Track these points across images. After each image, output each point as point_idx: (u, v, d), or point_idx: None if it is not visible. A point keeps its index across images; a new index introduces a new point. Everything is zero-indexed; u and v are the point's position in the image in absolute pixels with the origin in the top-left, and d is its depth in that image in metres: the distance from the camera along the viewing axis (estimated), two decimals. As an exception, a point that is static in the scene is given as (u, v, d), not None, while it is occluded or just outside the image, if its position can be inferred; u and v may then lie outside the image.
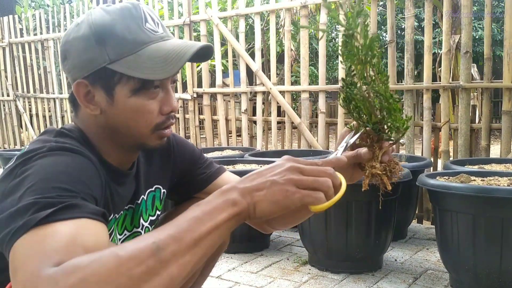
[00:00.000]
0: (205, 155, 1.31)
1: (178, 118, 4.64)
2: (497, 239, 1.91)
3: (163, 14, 4.59)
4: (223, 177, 1.26)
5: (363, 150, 0.96)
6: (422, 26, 3.23)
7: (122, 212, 1.07)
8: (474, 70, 5.00)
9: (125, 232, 1.11)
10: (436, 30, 9.29)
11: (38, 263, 0.65)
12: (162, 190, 1.19)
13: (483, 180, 2.21)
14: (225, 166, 2.98)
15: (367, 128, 0.95)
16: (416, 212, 3.36)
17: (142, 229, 1.14)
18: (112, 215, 1.01)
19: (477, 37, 10.22)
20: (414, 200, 3.10)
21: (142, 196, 1.13)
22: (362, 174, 0.99)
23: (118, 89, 0.93)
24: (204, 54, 0.98)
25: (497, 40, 10.00)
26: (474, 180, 2.22)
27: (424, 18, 3.36)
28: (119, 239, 1.08)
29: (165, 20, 4.54)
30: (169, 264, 0.67)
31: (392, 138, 0.94)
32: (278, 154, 3.54)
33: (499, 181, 2.16)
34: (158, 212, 1.18)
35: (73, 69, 0.95)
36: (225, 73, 4.64)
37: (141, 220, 1.13)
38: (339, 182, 0.79)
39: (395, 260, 2.61)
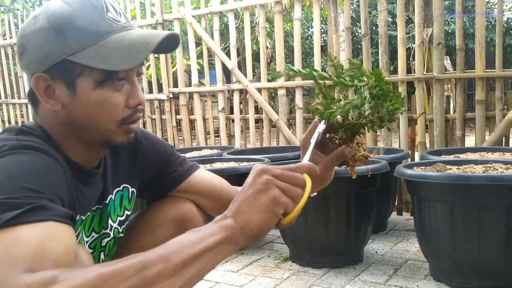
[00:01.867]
0: (178, 152, 1.27)
1: (155, 119, 4.58)
2: (475, 226, 1.91)
3: (135, 14, 4.52)
4: (197, 174, 1.23)
5: (346, 149, 0.94)
6: (396, 21, 3.24)
7: (89, 213, 1.03)
8: (447, 63, 5.07)
9: (93, 233, 1.06)
10: (410, 25, 9.40)
11: (8, 269, 0.62)
12: (131, 190, 1.15)
13: (459, 169, 2.22)
14: (203, 165, 2.96)
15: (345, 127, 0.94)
16: (396, 204, 3.38)
17: (110, 230, 1.10)
18: (78, 217, 0.96)
19: (449, 31, 10.37)
20: (393, 192, 3.12)
21: (110, 196, 1.09)
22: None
23: (80, 82, 0.89)
24: (170, 44, 0.94)
25: (469, 34, 10.16)
26: (450, 169, 2.23)
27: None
28: (86, 242, 1.04)
29: (138, 20, 4.47)
30: (153, 284, 0.65)
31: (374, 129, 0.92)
32: (257, 151, 3.52)
33: (474, 168, 2.18)
34: (127, 212, 1.14)
35: (32, 63, 0.91)
36: (201, 73, 4.59)
37: (110, 221, 1.09)
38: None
39: (376, 252, 2.61)
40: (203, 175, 1.23)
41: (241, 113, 4.12)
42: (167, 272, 0.67)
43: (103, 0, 0.90)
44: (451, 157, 2.69)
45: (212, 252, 0.72)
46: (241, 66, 3.97)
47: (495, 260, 1.93)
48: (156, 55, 4.60)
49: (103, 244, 1.09)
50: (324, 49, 7.46)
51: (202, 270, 0.72)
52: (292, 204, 0.76)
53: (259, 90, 3.89)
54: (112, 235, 1.10)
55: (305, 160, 0.89)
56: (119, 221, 1.12)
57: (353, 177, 0.95)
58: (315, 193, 1.03)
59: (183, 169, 1.21)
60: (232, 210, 0.77)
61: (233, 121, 4.19)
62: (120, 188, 1.12)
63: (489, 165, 2.21)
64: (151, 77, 4.59)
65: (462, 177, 1.91)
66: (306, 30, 12.98)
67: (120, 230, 1.14)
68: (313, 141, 0.93)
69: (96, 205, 1.05)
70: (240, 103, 4.15)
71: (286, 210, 0.76)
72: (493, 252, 1.92)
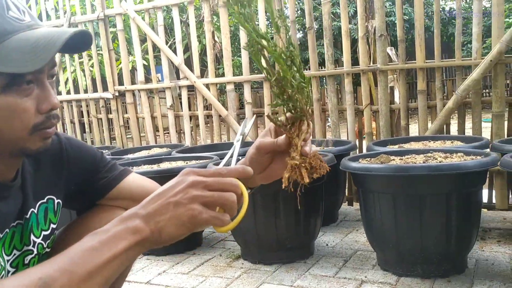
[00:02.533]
0: (108, 157, 1.21)
1: (101, 119, 4.42)
2: (416, 215, 1.96)
3: (75, 10, 4.33)
4: (128, 180, 1.17)
5: (281, 137, 0.91)
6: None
7: (7, 230, 0.95)
8: (392, 53, 5.18)
9: (15, 251, 0.99)
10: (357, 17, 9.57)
11: None
12: (56, 201, 1.08)
13: (402, 159, 2.27)
14: (150, 166, 2.89)
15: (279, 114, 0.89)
16: (346, 195, 3.43)
17: (34, 246, 1.03)
18: (-6, 236, 0.89)
19: (396, 21, 10.67)
20: (342, 183, 3.16)
21: (32, 209, 1.01)
22: (282, 171, 0.92)
23: None
24: (81, 42, 0.88)
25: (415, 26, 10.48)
26: (393, 159, 2.27)
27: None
28: (7, 260, 0.96)
29: (78, 16, 4.29)
30: None
31: (302, 116, 0.86)
32: (207, 148, 3.47)
33: (415, 158, 2.23)
34: (52, 226, 1.07)
35: None
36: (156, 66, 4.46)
37: (32, 237, 1.02)
38: (241, 193, 0.76)
39: (327, 244, 2.63)
40: (135, 180, 1.18)
41: (190, 109, 4.05)
42: (72, 286, 0.63)
43: None
44: (395, 147, 2.75)
45: (119, 259, 0.68)
46: (191, 61, 3.89)
47: (436, 247, 1.99)
48: (101, 51, 4.44)
49: (26, 261, 1.02)
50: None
51: (110, 278, 0.68)
52: (215, 218, 0.72)
53: (207, 86, 3.83)
54: (36, 252, 1.03)
55: (233, 163, 0.86)
56: (44, 235, 1.05)
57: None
58: (252, 189, 1.00)
59: (113, 175, 1.15)
60: (145, 209, 0.73)
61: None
62: (44, 200, 1.05)
63: (429, 154, 2.27)
64: (95, 74, 4.43)
65: (402, 168, 1.95)
66: (257, 22, 12.92)
67: (45, 245, 1.06)
68: (237, 144, 0.90)
69: (16, 221, 0.98)
70: (188, 98, 4.08)
71: (211, 224, 0.73)
72: (434, 239, 1.98)
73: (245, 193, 0.77)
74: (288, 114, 0.86)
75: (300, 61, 0.82)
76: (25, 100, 0.84)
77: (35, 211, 1.02)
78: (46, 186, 1.05)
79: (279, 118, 0.87)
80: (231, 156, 0.92)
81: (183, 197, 0.72)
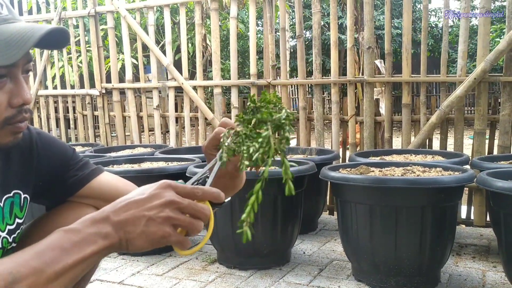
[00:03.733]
0: (80, 154, 1.20)
1: (86, 116, 4.39)
2: (392, 227, 1.97)
3: (66, 5, 4.31)
4: (100, 179, 1.16)
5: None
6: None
7: (-30, 222, 0.94)
8: (381, 66, 5.22)
9: (-23, 244, 0.98)
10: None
11: None
12: (23, 196, 1.07)
13: (381, 171, 2.28)
14: (132, 165, 2.87)
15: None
16: (328, 204, 3.44)
17: (-2, 239, 1.01)
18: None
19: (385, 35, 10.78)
20: (323, 192, 3.17)
21: (-2, 202, 1.00)
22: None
23: None
24: (57, 39, 0.88)
25: (412, 40, 10.59)
26: (373, 171, 2.29)
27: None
28: (-31, 253, 0.95)
29: (68, 11, 4.27)
30: None
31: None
32: (191, 150, 3.46)
33: (394, 171, 2.25)
34: (18, 220, 1.06)
35: None
36: (145, 68, 4.44)
37: (-4, 230, 1.00)
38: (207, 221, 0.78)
39: (304, 252, 2.64)
40: (107, 179, 1.17)
41: (176, 111, 4.04)
42: (39, 284, 0.65)
43: None
44: (377, 159, 2.77)
45: (87, 261, 0.71)
46: (181, 63, 3.89)
47: (410, 260, 2.00)
48: (89, 48, 4.41)
49: (-10, 255, 1.01)
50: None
51: (75, 279, 0.70)
52: (181, 241, 0.75)
53: (195, 88, 3.83)
54: (0, 246, 1.02)
55: (208, 183, 0.85)
56: (9, 230, 1.04)
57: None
58: (228, 199, 1.00)
59: (84, 173, 1.14)
60: (118, 216, 0.73)
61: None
62: (11, 194, 1.04)
63: (408, 167, 2.29)
64: (83, 71, 4.40)
65: (380, 180, 1.96)
66: (247, 29, 13.00)
67: (10, 240, 1.05)
68: (212, 175, 0.87)
69: None
70: (175, 99, 4.07)
71: (175, 246, 0.76)
72: (408, 252, 1.99)
73: (212, 221, 0.78)
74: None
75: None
76: None
77: (1, 205, 1.01)
78: (14, 180, 1.04)
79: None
80: (209, 172, 0.88)
81: (157, 214, 0.73)
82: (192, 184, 0.88)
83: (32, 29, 0.83)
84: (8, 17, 0.85)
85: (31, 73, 0.93)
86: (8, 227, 1.03)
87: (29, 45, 0.82)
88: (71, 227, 0.73)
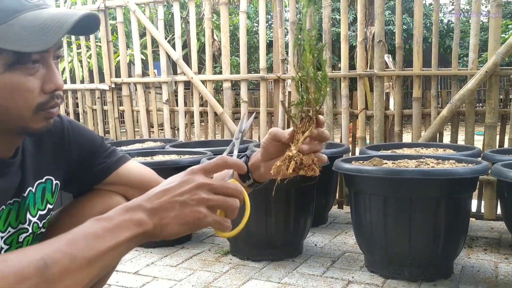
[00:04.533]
0: (108, 143, 1.22)
1: (96, 110, 4.41)
2: (406, 218, 1.99)
3: (75, 0, 4.33)
4: (127, 166, 1.18)
5: (289, 130, 0.92)
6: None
7: (3, 207, 0.96)
8: (389, 61, 5.22)
9: (9, 229, 0.99)
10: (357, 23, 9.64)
11: None
12: (55, 182, 1.09)
13: (394, 163, 2.29)
14: (144, 158, 2.89)
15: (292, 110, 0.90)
16: (337, 197, 3.45)
17: (29, 225, 1.03)
18: (-9, 211, 0.90)
19: (394, 30, 10.76)
20: (334, 186, 3.18)
21: (30, 188, 1.02)
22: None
23: None
24: (89, 25, 0.89)
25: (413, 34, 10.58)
26: (386, 163, 2.30)
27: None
28: (1, 237, 0.97)
29: (78, 5, 4.28)
30: (56, 284, 0.62)
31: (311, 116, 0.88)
32: (201, 144, 3.48)
33: (408, 163, 2.26)
34: (49, 206, 1.08)
35: None
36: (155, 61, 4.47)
37: (28, 215, 1.02)
38: (243, 200, 0.79)
39: (315, 245, 2.65)
40: (133, 167, 1.18)
41: (185, 105, 4.06)
42: (72, 271, 0.64)
43: None
44: (388, 152, 2.78)
45: (120, 248, 0.69)
46: (189, 57, 3.90)
47: (424, 251, 2.01)
48: (99, 43, 4.43)
49: (20, 240, 1.02)
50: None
51: (109, 266, 0.69)
52: (218, 222, 0.75)
53: (204, 82, 3.84)
54: (30, 230, 1.04)
55: (235, 156, 0.87)
56: (40, 215, 1.06)
57: (287, 172, 0.87)
58: (254, 182, 1.03)
59: (112, 160, 1.15)
60: (151, 203, 0.73)
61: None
62: (43, 180, 1.06)
63: (421, 160, 2.30)
64: (92, 65, 4.42)
65: (395, 171, 1.97)
66: (255, 23, 13.00)
67: (41, 225, 1.07)
68: (236, 141, 0.91)
69: (13, 198, 0.98)
70: (185, 93, 4.09)
71: (213, 227, 0.75)
72: (422, 243, 2.00)
73: (247, 201, 0.79)
74: (297, 109, 0.89)
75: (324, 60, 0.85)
76: (30, 79, 0.84)
77: (33, 190, 1.03)
78: (46, 166, 1.06)
79: (292, 112, 0.90)
80: (231, 153, 0.94)
81: (190, 197, 0.73)
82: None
83: (65, 15, 0.84)
84: (40, 2, 0.86)
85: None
86: (40, 212, 1.05)
87: (64, 30, 0.83)
88: (104, 215, 0.73)
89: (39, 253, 0.64)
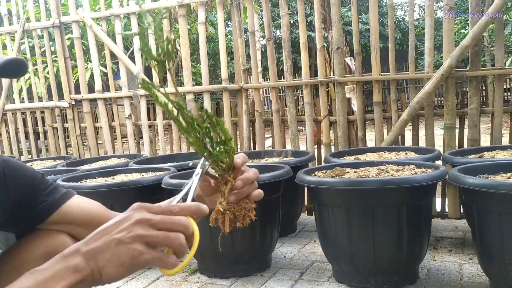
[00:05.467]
0: (63, 165, 1.17)
1: (56, 128, 4.29)
2: (369, 228, 1.99)
3: (30, 16, 4.20)
4: (71, 203, 1.13)
5: (205, 183, 0.91)
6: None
7: None
8: (352, 63, 5.26)
9: None
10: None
11: None
12: (-7, 226, 1.03)
13: (356, 172, 2.30)
14: (105, 178, 2.82)
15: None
16: (306, 204, 3.45)
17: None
18: None
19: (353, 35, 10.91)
20: (301, 194, 3.18)
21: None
22: None
23: None
24: (14, 70, 0.85)
25: (382, 35, 10.75)
26: (348, 172, 2.31)
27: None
28: None
29: (32, 22, 4.16)
30: None
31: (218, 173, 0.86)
32: (166, 159, 3.42)
33: (369, 171, 2.27)
34: (-13, 252, 1.03)
35: None
36: (115, 74, 4.38)
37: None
38: (192, 232, 0.73)
39: (284, 256, 2.64)
40: (78, 203, 1.14)
41: (149, 119, 3.99)
42: None
43: None
44: (351, 159, 2.79)
45: None
46: (151, 70, 3.84)
47: (389, 258, 2.03)
48: (56, 58, 4.31)
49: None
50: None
51: None
52: (159, 258, 0.69)
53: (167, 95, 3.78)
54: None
55: (189, 199, 0.84)
56: (-22, 263, 1.01)
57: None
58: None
59: (54, 198, 1.10)
60: (88, 246, 0.70)
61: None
62: None
63: (382, 167, 2.32)
64: (50, 82, 4.30)
65: (355, 182, 1.97)
66: (217, 31, 12.93)
67: (-21, 273, 1.02)
68: (195, 178, 0.88)
69: None
70: (147, 107, 4.02)
71: (155, 265, 0.70)
72: (386, 251, 2.01)
73: (196, 233, 0.74)
74: (211, 170, 0.87)
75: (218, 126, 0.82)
76: None
77: (-33, 238, 0.97)
78: None
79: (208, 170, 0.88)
80: (188, 190, 0.90)
81: (126, 235, 0.69)
82: (178, 201, 0.87)
83: None
84: None
85: None
86: (-23, 260, 1.00)
87: None
88: (39, 267, 0.69)
89: None
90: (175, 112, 0.82)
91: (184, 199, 0.89)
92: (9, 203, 1.05)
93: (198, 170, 0.90)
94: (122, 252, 0.68)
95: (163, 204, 0.77)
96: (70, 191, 1.15)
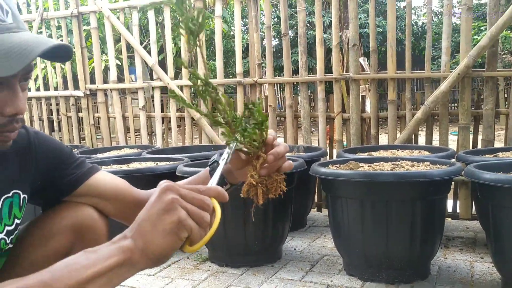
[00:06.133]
0: (76, 153, 1.19)
1: (71, 117, 4.34)
2: (383, 221, 2.00)
3: (48, 6, 4.25)
4: (97, 177, 1.15)
5: (235, 157, 0.93)
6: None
7: (-31, 223, 0.93)
8: (365, 63, 5.28)
9: (-25, 246, 0.96)
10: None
11: None
12: (22, 196, 1.06)
13: (370, 166, 2.31)
14: (120, 165, 2.85)
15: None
16: (316, 201, 3.46)
17: (-4, 241, 1.00)
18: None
19: (369, 32, 10.90)
20: (312, 189, 3.19)
21: (-5, 203, 0.99)
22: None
23: None
24: (60, 53, 0.86)
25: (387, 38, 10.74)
26: (362, 166, 2.32)
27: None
28: (-33, 255, 0.94)
29: (50, 11, 4.21)
30: None
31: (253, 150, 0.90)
32: (178, 150, 3.45)
33: (383, 166, 2.28)
34: (17, 221, 1.05)
35: None
36: (129, 67, 4.41)
37: (-6, 231, 0.99)
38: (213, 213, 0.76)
39: (294, 249, 2.65)
40: (103, 177, 1.16)
41: (162, 111, 4.02)
42: None
43: None
44: (364, 155, 2.80)
45: (105, 277, 0.67)
46: (165, 62, 3.87)
47: (401, 253, 2.03)
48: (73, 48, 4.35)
49: (-13, 257, 0.99)
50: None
51: None
52: (197, 229, 0.72)
53: (181, 88, 3.81)
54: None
55: (214, 181, 0.86)
56: (7, 231, 1.02)
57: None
58: (231, 186, 1.03)
59: (81, 171, 1.13)
60: (133, 230, 0.72)
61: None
62: (10, 194, 1.03)
63: (397, 162, 2.33)
64: (66, 72, 4.34)
65: (370, 175, 1.98)
66: (232, 27, 12.99)
67: (8, 241, 1.04)
68: (222, 162, 0.90)
69: None
70: (161, 99, 4.05)
71: (191, 236, 0.72)
72: (399, 245, 2.02)
73: (218, 213, 0.77)
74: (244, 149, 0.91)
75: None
76: None
77: (0, 206, 1.00)
78: (12, 180, 1.02)
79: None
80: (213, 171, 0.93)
81: (163, 201, 0.72)
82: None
83: (35, 42, 0.80)
84: (12, 25, 0.82)
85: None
86: (7, 228, 1.02)
87: (30, 59, 0.79)
88: (91, 248, 0.72)
89: (14, 285, 0.62)
90: (217, 99, 0.85)
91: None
92: (39, 174, 1.08)
93: (225, 155, 0.91)
94: (167, 219, 0.71)
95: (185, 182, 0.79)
96: (96, 166, 1.18)
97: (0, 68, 0.76)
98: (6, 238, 1.03)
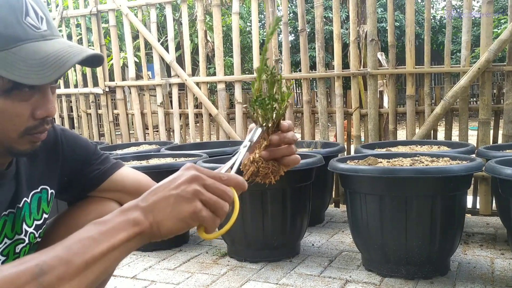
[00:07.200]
0: (101, 149, 1.22)
1: (90, 114, 4.41)
2: (402, 217, 1.99)
3: (67, 4, 4.31)
4: (121, 172, 1.18)
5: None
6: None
7: (-1, 218, 0.96)
8: (382, 58, 5.24)
9: (5, 240, 0.99)
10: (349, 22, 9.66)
11: None
12: (50, 191, 1.09)
13: (389, 162, 2.30)
14: (139, 161, 2.89)
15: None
16: (333, 196, 3.46)
17: (25, 235, 1.03)
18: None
19: (387, 27, 10.78)
20: (330, 185, 3.19)
21: (25, 198, 1.02)
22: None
23: None
24: (92, 61, 0.88)
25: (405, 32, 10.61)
26: (381, 162, 2.31)
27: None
28: (-3, 248, 0.97)
29: (70, 10, 4.27)
30: None
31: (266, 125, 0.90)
32: (196, 146, 3.48)
33: (402, 161, 2.27)
34: (45, 216, 1.08)
35: None
36: (147, 64, 4.47)
37: (24, 226, 1.02)
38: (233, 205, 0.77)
39: (312, 244, 2.66)
40: (127, 172, 1.19)
41: (180, 107, 4.06)
42: (68, 276, 0.63)
43: (24, 1, 0.81)
44: (383, 151, 2.79)
45: (117, 250, 0.69)
46: (182, 59, 3.90)
47: (420, 248, 2.02)
48: (92, 46, 4.42)
49: (17, 250, 1.02)
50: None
51: (107, 269, 0.68)
52: (211, 220, 0.73)
53: (198, 84, 3.84)
54: (27, 241, 1.04)
55: (234, 170, 0.87)
56: (36, 225, 1.06)
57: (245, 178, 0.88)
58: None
59: (105, 167, 1.15)
60: (146, 202, 0.73)
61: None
62: (38, 189, 1.06)
63: (416, 158, 2.31)
64: (85, 69, 4.41)
65: (390, 170, 1.98)
66: (248, 24, 12.98)
67: (37, 235, 1.07)
68: (243, 150, 0.91)
69: (8, 209, 0.98)
70: (179, 96, 4.09)
71: (206, 225, 0.74)
72: (419, 241, 2.01)
73: (237, 204, 0.77)
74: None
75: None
76: (22, 105, 0.82)
77: (28, 200, 1.03)
78: (40, 176, 1.06)
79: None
80: (234, 161, 0.93)
81: (185, 190, 0.72)
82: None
83: (69, 52, 0.81)
84: (47, 33, 0.83)
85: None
86: (36, 222, 1.05)
87: (65, 69, 0.79)
88: (101, 219, 0.73)
89: (34, 260, 0.64)
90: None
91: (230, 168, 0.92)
92: (66, 169, 1.11)
93: (247, 143, 0.92)
94: (182, 207, 0.72)
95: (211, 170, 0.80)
96: (119, 162, 1.20)
97: (35, 77, 0.78)
98: (35, 232, 1.06)
